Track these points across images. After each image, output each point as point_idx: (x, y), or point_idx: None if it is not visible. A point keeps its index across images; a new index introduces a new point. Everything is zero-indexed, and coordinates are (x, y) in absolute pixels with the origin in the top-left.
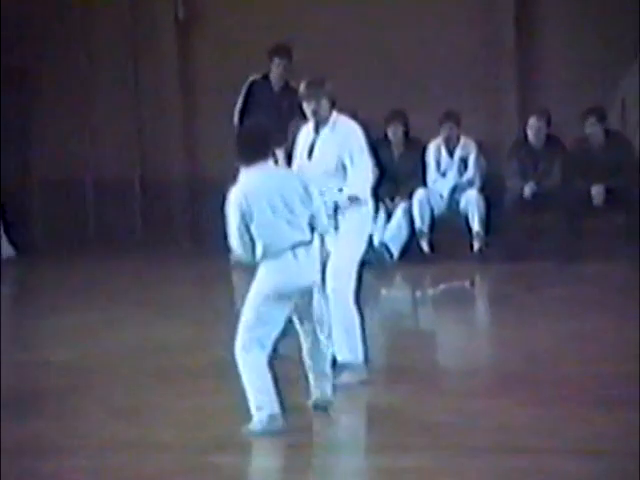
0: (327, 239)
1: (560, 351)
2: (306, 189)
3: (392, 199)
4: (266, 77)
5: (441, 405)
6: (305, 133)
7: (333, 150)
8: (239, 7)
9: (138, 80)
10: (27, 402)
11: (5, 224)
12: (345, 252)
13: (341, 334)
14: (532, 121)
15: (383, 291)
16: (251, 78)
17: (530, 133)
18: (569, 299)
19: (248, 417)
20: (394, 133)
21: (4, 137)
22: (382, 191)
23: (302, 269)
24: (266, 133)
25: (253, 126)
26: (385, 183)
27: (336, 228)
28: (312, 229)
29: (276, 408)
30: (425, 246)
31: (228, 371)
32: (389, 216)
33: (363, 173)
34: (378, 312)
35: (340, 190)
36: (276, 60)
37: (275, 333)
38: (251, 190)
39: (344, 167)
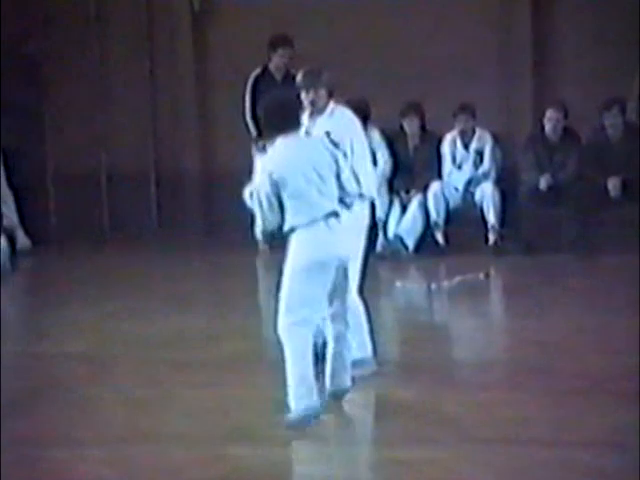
0: None
1: (576, 343)
2: (336, 159)
3: (407, 191)
4: (265, 69)
5: (457, 397)
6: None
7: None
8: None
9: (153, 74)
10: (42, 392)
11: (21, 215)
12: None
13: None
14: (550, 113)
15: (398, 283)
16: (254, 74)
17: (548, 125)
18: (585, 291)
19: (266, 408)
20: (410, 125)
21: (20, 130)
22: (397, 183)
23: (337, 239)
24: (295, 103)
25: (281, 97)
26: (400, 175)
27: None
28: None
29: (315, 398)
30: (440, 238)
31: (245, 362)
32: (404, 209)
33: (367, 165)
34: (393, 304)
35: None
36: (280, 51)
37: (318, 315)
38: (283, 159)
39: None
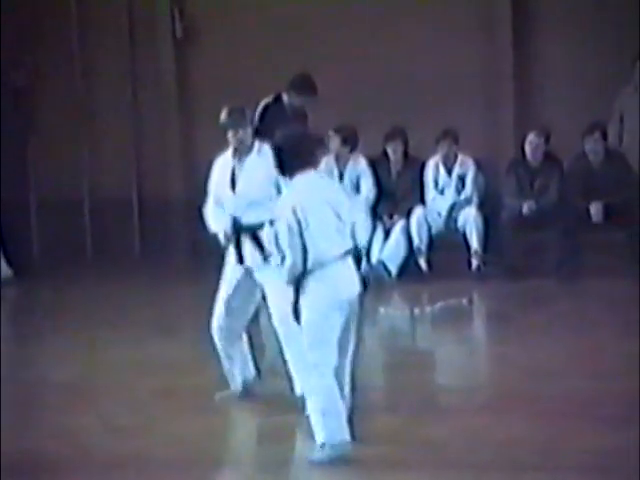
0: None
1: (560, 367)
2: (350, 198)
3: (390, 217)
4: (278, 98)
5: (441, 422)
6: (222, 164)
7: (263, 175)
8: (236, 24)
9: (137, 99)
10: (27, 420)
11: (3, 244)
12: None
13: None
14: (531, 137)
15: (381, 309)
16: (264, 102)
17: (528, 150)
18: (569, 316)
19: (250, 434)
20: (394, 151)
21: (3, 158)
22: (380, 209)
23: (353, 277)
24: (313, 140)
25: (298, 135)
26: (383, 201)
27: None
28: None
29: (347, 435)
30: (423, 264)
31: (227, 388)
32: (387, 234)
33: None
34: (376, 330)
35: (272, 223)
36: (302, 98)
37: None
38: (303, 198)
39: (278, 191)
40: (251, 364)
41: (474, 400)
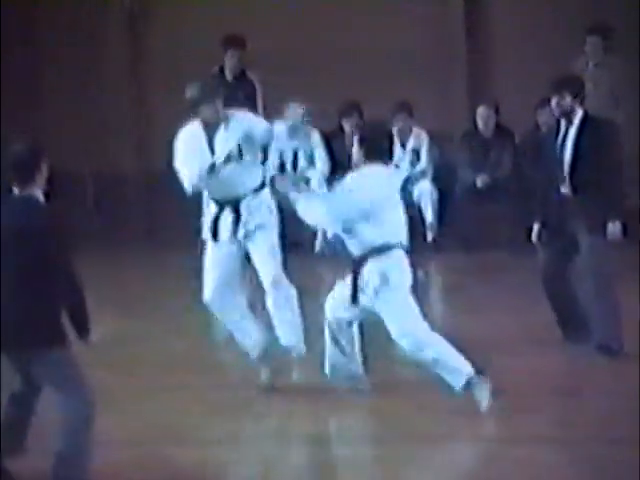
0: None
1: (514, 339)
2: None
3: None
4: (221, 69)
5: (396, 397)
6: (190, 136)
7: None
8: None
9: (88, 75)
10: None
11: None
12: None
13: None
14: (481, 110)
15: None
16: (211, 72)
17: (480, 122)
18: (522, 288)
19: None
20: (350, 125)
21: None
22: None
23: None
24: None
25: (378, 125)
26: (338, 175)
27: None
28: None
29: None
30: None
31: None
32: None
33: None
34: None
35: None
36: (229, 52)
37: None
38: (374, 187)
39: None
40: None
41: (429, 373)
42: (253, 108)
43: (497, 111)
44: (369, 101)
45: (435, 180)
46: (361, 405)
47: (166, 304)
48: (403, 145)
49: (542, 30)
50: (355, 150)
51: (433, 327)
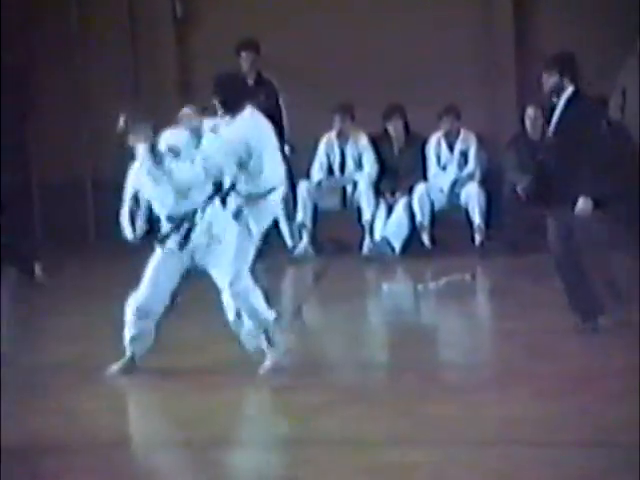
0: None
1: (563, 344)
2: None
3: (393, 193)
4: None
5: (444, 399)
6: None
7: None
8: (236, 5)
9: (137, 80)
10: (30, 401)
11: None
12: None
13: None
14: (529, 111)
15: (385, 286)
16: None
17: (528, 124)
18: None
19: None
20: (394, 128)
21: None
22: (383, 186)
23: None
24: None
25: None
26: (386, 178)
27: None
28: None
29: None
30: (426, 240)
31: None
32: (390, 210)
33: None
34: (380, 306)
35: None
36: (243, 54)
37: None
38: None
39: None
40: None
41: (477, 376)
42: (276, 109)
43: (544, 113)
44: (417, 104)
45: (483, 183)
46: None
47: None
48: (451, 148)
49: (591, 31)
50: None
51: (478, 330)
